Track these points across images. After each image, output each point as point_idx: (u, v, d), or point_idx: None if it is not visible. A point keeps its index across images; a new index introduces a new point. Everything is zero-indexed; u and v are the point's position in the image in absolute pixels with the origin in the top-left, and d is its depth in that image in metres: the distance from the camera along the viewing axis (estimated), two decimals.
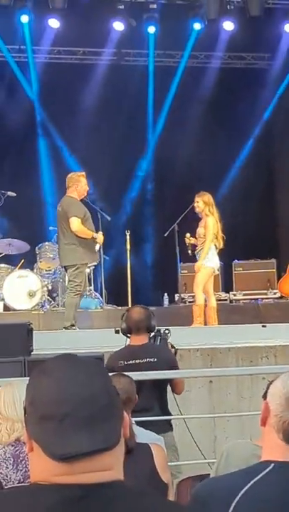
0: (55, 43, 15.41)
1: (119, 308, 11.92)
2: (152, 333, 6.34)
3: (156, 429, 5.16)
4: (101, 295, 12.87)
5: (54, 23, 14.72)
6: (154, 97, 15.91)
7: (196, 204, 10.75)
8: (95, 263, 11.51)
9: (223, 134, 15.25)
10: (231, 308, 13.51)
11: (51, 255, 12.98)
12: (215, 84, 15.72)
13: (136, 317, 6.17)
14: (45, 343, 8.05)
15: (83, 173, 10.49)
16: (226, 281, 14.35)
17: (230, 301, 14.14)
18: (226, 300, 14.11)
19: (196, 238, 11.09)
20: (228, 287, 14.38)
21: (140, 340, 6.18)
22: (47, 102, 15.69)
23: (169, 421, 6.29)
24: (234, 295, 14.31)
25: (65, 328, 9.90)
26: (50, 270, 13.03)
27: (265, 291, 14.24)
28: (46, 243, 13.20)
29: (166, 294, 14.20)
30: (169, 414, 6.33)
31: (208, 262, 10.81)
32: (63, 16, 14.38)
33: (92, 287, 12.85)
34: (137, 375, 5.27)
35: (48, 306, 12.61)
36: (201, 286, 10.73)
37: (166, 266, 13.67)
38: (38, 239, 13.45)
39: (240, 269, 14.43)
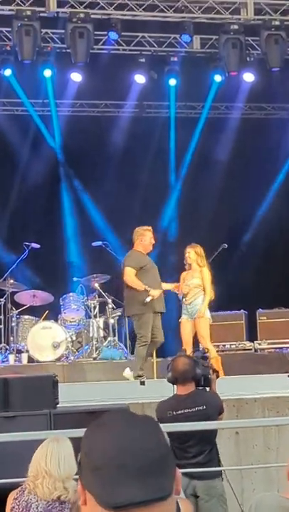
0: (77, 96, 15.66)
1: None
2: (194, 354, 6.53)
3: (207, 475, 5.15)
4: (125, 346, 12.89)
5: (76, 76, 14.93)
6: (176, 147, 16.06)
7: (187, 255, 10.82)
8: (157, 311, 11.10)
9: (245, 183, 15.33)
10: (256, 357, 13.52)
11: (75, 306, 13.09)
12: (236, 134, 15.84)
13: (182, 368, 6.27)
14: (70, 396, 8.04)
15: (149, 227, 10.79)
16: (250, 330, 14.35)
17: (255, 351, 14.10)
18: (250, 349, 14.09)
19: (177, 287, 10.99)
20: (252, 336, 14.33)
21: (187, 389, 6.26)
22: (70, 155, 15.83)
23: (218, 466, 6.40)
24: (259, 344, 14.26)
25: (134, 377, 10.20)
26: (74, 321, 13.09)
27: None
28: (70, 294, 13.32)
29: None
30: (220, 461, 6.39)
31: (208, 313, 10.93)
32: (85, 70, 14.57)
33: (116, 337, 12.83)
34: (168, 428, 5.20)
35: (72, 358, 12.62)
36: (209, 339, 10.81)
37: None
38: (62, 290, 13.53)
39: (265, 318, 14.33)
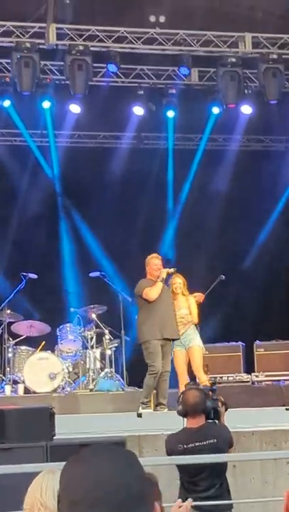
0: (76, 127, 15.63)
1: (141, 390, 11.82)
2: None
3: (217, 509, 5.38)
4: (122, 377, 12.77)
5: (75, 108, 14.94)
6: (174, 178, 16.01)
7: (178, 284, 10.88)
8: (167, 338, 10.86)
9: (244, 213, 15.29)
10: (253, 390, 13.41)
11: (72, 337, 12.99)
12: (234, 165, 15.80)
13: (192, 400, 6.23)
14: (67, 427, 7.95)
15: (155, 254, 11.18)
16: (247, 362, 14.22)
17: (253, 383, 13.95)
18: (247, 382, 13.95)
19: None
20: (249, 368, 14.19)
21: (197, 422, 6.24)
22: (68, 185, 15.74)
23: (229, 500, 6.40)
24: (256, 376, 14.09)
25: (141, 403, 10.37)
26: (71, 352, 12.94)
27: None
28: (67, 325, 13.10)
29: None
30: (230, 493, 6.39)
31: (201, 342, 10.99)
32: (84, 102, 14.55)
33: (113, 369, 12.69)
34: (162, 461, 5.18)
35: (68, 389, 12.50)
36: (201, 368, 10.85)
37: None
38: (60, 320, 13.42)
39: (262, 350, 14.20)
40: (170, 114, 15.26)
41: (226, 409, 6.52)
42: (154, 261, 10.92)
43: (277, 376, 14.03)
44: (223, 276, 11.94)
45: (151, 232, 15.47)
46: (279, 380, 13.88)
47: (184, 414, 6.29)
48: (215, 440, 6.14)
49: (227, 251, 15.10)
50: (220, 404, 6.45)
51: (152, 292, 10.52)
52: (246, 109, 15.10)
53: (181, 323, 10.77)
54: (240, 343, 14.37)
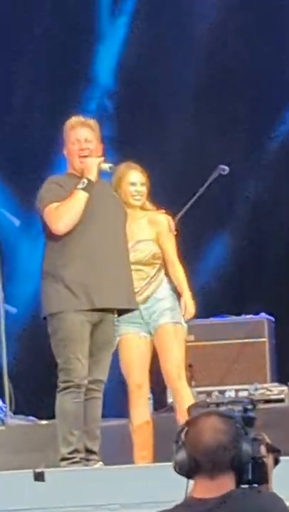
0: None
1: (45, 423, 7.76)
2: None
3: None
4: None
5: None
6: None
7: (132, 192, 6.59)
8: None
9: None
10: None
11: None
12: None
13: (210, 440, 3.62)
14: None
15: (77, 118, 6.47)
16: (281, 358, 8.34)
17: None
18: (282, 401, 7.96)
19: None
20: (285, 373, 8.17)
21: (218, 487, 3.66)
22: None
23: None
24: None
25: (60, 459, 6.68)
26: None
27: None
28: None
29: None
30: None
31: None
32: None
33: None
34: None
35: None
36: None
37: None
38: None
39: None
40: None
41: (275, 462, 3.64)
42: (74, 132, 6.20)
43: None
44: (227, 168, 7.46)
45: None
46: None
47: (190, 469, 3.59)
48: None
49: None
50: (263, 448, 3.51)
51: (62, 215, 6.13)
52: None
53: (139, 277, 6.39)
54: (264, 315, 8.21)
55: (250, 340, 8.06)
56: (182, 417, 5.75)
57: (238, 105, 9.70)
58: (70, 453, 6.11)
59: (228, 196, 9.05)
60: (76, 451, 6.08)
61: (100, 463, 6.12)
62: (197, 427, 3.61)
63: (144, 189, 6.17)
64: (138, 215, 6.19)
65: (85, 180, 5.84)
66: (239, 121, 9.66)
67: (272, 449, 3.65)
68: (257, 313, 8.26)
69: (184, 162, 9.37)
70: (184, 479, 3.63)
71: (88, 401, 6.09)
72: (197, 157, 9.07)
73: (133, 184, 6.09)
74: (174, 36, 9.73)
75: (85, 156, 5.89)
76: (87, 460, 6.17)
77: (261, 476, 3.65)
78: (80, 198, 5.93)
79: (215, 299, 8.50)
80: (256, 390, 7.81)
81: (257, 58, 9.74)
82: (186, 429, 3.59)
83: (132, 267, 6.12)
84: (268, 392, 7.84)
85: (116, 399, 6.77)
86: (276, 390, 7.91)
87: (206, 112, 9.64)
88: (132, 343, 6.32)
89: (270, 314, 8.22)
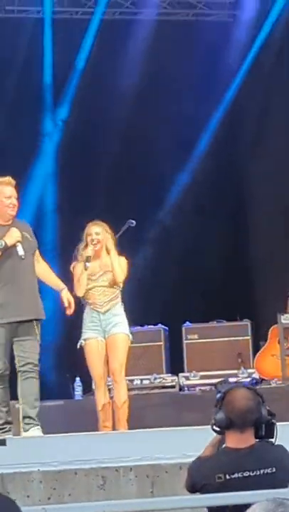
0: None
1: None
2: None
3: None
4: None
5: None
6: (54, 62, 11.59)
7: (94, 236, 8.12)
8: None
9: (163, 125, 11.10)
10: (182, 399, 10.28)
11: None
12: (148, 43, 11.31)
13: (244, 406, 4.63)
14: None
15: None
16: (172, 356, 10.77)
17: (180, 389, 10.65)
18: (173, 387, 10.51)
19: None
20: (176, 367, 10.72)
21: (247, 440, 4.64)
22: None
23: None
24: (186, 378, 10.62)
25: None
26: None
27: (235, 372, 10.48)
28: None
29: (78, 378, 10.62)
30: None
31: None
32: None
33: None
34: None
35: None
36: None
37: None
38: None
39: (195, 336, 10.63)
40: None
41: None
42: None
43: (218, 377, 9.78)
44: (134, 222, 8.68)
45: None
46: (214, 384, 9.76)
47: (226, 425, 4.59)
48: (274, 469, 4.65)
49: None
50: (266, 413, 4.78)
51: None
52: None
53: (103, 294, 8.05)
54: (160, 326, 10.69)
55: (151, 343, 10.52)
56: (117, 398, 7.82)
57: None
58: (1, 424, 7.73)
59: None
60: (7, 422, 7.69)
61: (38, 426, 7.62)
62: (232, 395, 4.66)
63: (98, 237, 7.95)
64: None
65: (3, 242, 7.55)
66: None
67: (271, 414, 4.82)
68: (156, 324, 10.75)
69: None
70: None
71: (25, 380, 7.73)
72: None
73: (90, 235, 7.91)
74: None
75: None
76: (27, 424, 7.69)
77: (271, 432, 4.78)
78: None
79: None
80: (155, 379, 10.25)
81: None
82: (225, 396, 4.66)
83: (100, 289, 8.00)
84: (164, 381, 10.28)
85: None
86: (169, 379, 10.40)
87: None
88: (93, 346, 8.00)
89: (164, 325, 10.69)
